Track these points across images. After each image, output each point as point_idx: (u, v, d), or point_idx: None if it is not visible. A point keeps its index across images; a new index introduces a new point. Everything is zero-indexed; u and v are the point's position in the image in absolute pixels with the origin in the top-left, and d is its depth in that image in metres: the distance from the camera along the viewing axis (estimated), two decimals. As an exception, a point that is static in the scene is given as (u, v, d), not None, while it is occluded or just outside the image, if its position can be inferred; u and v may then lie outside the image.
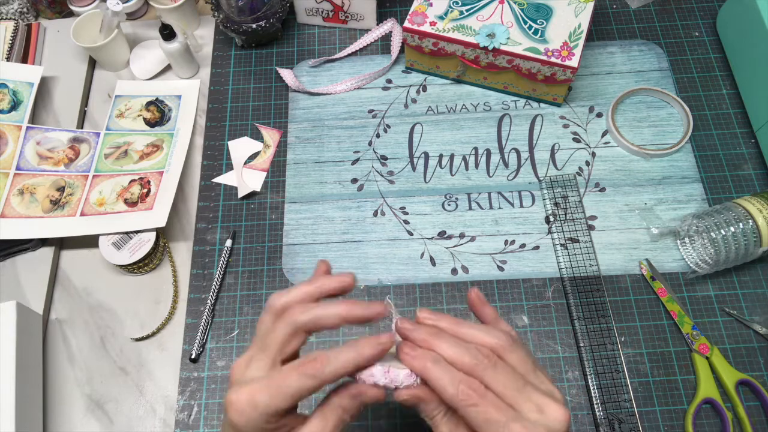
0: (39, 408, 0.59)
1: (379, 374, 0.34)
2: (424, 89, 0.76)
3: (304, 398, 0.33)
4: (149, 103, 0.77)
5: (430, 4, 0.71)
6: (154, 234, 0.66)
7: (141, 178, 0.70)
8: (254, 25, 0.75)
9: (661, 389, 0.59)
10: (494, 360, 0.34)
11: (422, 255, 0.66)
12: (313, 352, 0.34)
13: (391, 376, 0.34)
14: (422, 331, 0.35)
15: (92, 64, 0.82)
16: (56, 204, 0.69)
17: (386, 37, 0.81)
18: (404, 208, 0.69)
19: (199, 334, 0.63)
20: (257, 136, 0.75)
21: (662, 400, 0.58)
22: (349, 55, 0.80)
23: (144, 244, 0.65)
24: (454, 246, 0.67)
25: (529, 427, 0.31)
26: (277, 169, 0.73)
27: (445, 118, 0.74)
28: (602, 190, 0.69)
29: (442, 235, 0.67)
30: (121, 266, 0.65)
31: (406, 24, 0.70)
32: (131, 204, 0.68)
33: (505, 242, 0.67)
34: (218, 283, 0.66)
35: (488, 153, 0.72)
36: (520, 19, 0.69)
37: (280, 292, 0.37)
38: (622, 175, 0.69)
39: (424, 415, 0.35)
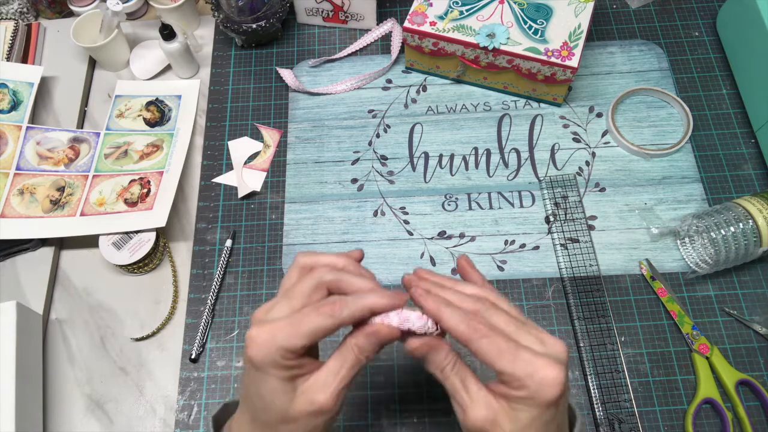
0: (39, 408, 0.59)
1: (392, 314, 0.37)
2: (424, 89, 0.76)
3: (321, 338, 0.35)
4: (149, 103, 0.77)
5: (430, 4, 0.71)
6: (154, 234, 0.66)
7: (141, 178, 0.70)
8: (254, 25, 0.75)
9: (661, 389, 0.59)
10: (493, 305, 0.38)
11: (422, 255, 0.66)
12: (332, 296, 0.37)
13: (403, 315, 0.37)
14: (427, 283, 0.39)
15: (92, 64, 0.82)
16: (56, 204, 0.69)
17: (386, 37, 0.81)
18: (404, 208, 0.69)
19: (199, 334, 0.63)
20: (257, 136, 0.75)
21: (662, 400, 0.58)
22: (349, 55, 0.80)
23: (144, 244, 0.65)
24: (454, 246, 0.67)
25: (537, 354, 0.34)
26: (277, 169, 0.73)
27: (445, 118, 0.74)
28: (602, 190, 0.69)
29: (442, 235, 0.67)
30: (121, 266, 0.65)
31: (406, 24, 0.70)
32: (131, 204, 0.68)
33: (505, 242, 0.67)
34: (218, 283, 0.66)
35: (488, 153, 0.72)
36: (520, 19, 0.69)
37: (308, 251, 0.41)
38: (622, 175, 0.69)
39: (433, 368, 0.37)
